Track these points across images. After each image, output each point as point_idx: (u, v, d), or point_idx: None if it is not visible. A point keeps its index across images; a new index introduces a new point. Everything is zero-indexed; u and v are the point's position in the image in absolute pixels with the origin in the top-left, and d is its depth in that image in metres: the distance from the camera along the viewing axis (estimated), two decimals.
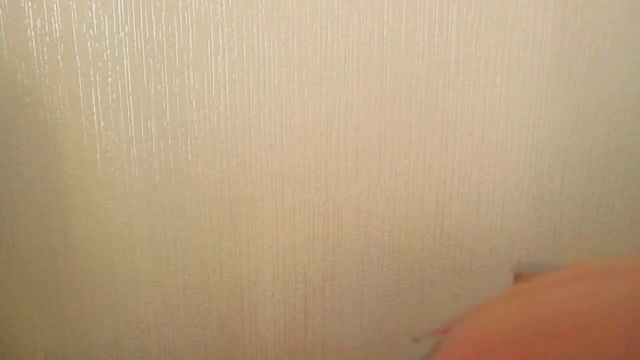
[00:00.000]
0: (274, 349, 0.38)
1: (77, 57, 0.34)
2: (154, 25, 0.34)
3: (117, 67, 0.34)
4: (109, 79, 0.34)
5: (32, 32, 0.33)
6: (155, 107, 0.35)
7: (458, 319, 0.15)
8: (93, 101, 0.34)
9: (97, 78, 0.34)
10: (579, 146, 0.37)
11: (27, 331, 0.38)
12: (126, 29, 0.34)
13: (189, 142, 0.35)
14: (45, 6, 0.33)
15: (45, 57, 0.34)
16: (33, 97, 0.34)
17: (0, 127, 0.34)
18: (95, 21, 0.33)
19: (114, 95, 0.34)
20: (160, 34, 0.34)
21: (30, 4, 0.33)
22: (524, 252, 0.38)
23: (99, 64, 0.34)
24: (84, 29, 0.33)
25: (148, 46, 0.34)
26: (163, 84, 0.34)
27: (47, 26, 0.33)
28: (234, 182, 0.36)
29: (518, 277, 0.19)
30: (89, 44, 0.34)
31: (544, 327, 0.15)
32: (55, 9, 0.33)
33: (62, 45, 0.34)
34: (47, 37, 0.33)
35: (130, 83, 0.34)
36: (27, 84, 0.34)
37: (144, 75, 0.34)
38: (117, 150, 0.35)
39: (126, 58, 0.34)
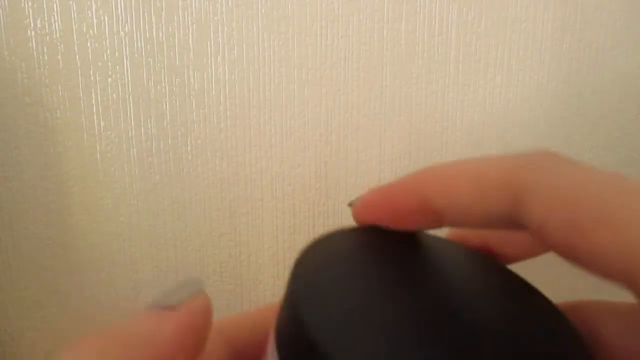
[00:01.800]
0: None
1: (77, 57, 0.34)
2: (154, 25, 0.34)
3: (117, 67, 0.34)
4: (109, 79, 0.34)
5: (32, 32, 0.33)
6: (155, 107, 0.35)
7: None
8: (93, 101, 0.34)
9: (97, 78, 0.34)
10: (579, 146, 0.37)
11: (27, 331, 0.38)
12: (126, 29, 0.34)
13: (189, 142, 0.35)
14: (45, 6, 0.33)
15: (45, 57, 0.34)
16: (33, 97, 0.34)
17: (0, 127, 0.34)
18: (95, 21, 0.33)
19: (114, 95, 0.34)
20: (160, 34, 0.34)
21: (30, 4, 0.33)
22: None
23: (99, 64, 0.34)
24: (84, 29, 0.33)
25: (148, 46, 0.34)
26: (163, 84, 0.34)
27: (47, 26, 0.33)
28: (234, 182, 0.36)
29: None
30: (89, 44, 0.34)
31: None
32: (55, 9, 0.33)
33: (62, 45, 0.34)
34: (47, 37, 0.33)
35: (130, 83, 0.34)
36: (27, 84, 0.34)
37: (144, 75, 0.34)
38: (117, 150, 0.35)
39: (126, 58, 0.34)
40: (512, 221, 0.14)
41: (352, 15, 0.34)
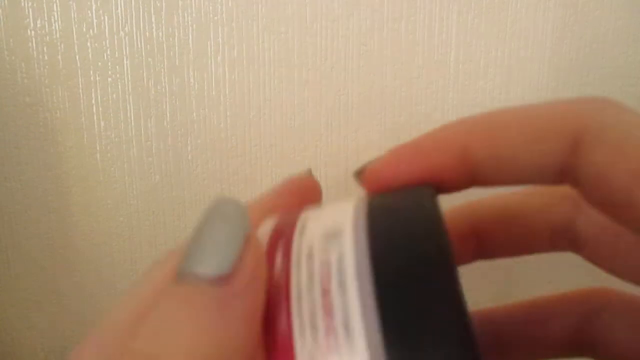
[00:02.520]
0: None
1: (77, 57, 0.34)
2: (154, 25, 0.34)
3: (117, 67, 0.34)
4: (109, 79, 0.34)
5: (32, 32, 0.33)
6: (155, 107, 0.35)
7: None
8: (93, 101, 0.34)
9: (97, 78, 0.34)
10: None
11: (27, 331, 0.38)
12: (126, 29, 0.34)
13: (189, 142, 0.35)
14: (45, 6, 0.33)
15: (45, 57, 0.34)
16: (33, 97, 0.34)
17: (0, 127, 0.34)
18: (95, 21, 0.33)
19: (114, 95, 0.34)
20: (160, 34, 0.34)
21: (30, 4, 0.33)
22: None
23: (99, 64, 0.34)
24: (84, 29, 0.33)
25: (148, 46, 0.34)
26: (163, 84, 0.34)
27: (47, 26, 0.33)
28: (234, 182, 0.36)
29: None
30: (89, 44, 0.34)
31: None
32: (55, 9, 0.33)
33: (62, 45, 0.34)
34: (47, 37, 0.33)
35: (130, 83, 0.34)
36: (27, 84, 0.34)
37: (144, 75, 0.34)
38: (117, 150, 0.35)
39: (126, 58, 0.34)
40: (561, 172, 0.12)
41: (352, 15, 0.34)
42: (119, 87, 0.34)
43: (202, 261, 0.09)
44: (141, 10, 0.33)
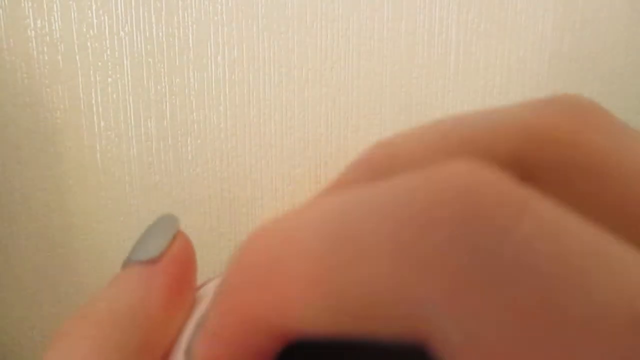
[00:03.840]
0: None
1: (77, 57, 0.34)
2: (154, 25, 0.34)
3: (117, 67, 0.34)
4: (109, 79, 0.34)
5: (32, 32, 0.33)
6: (155, 107, 0.35)
7: None
8: (93, 101, 0.34)
9: (97, 78, 0.34)
10: None
11: (27, 331, 0.38)
12: (126, 29, 0.34)
13: (189, 142, 0.35)
14: (45, 6, 0.33)
15: (46, 57, 0.34)
16: (33, 97, 0.34)
17: (0, 127, 0.34)
18: (95, 21, 0.33)
19: (114, 95, 0.34)
20: (160, 34, 0.34)
21: (30, 4, 0.33)
22: None
23: (99, 64, 0.34)
24: (84, 29, 0.33)
25: (148, 46, 0.34)
26: (163, 84, 0.34)
27: (47, 26, 0.33)
28: (234, 182, 0.36)
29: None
30: (89, 44, 0.34)
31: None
32: (55, 9, 0.33)
33: (62, 45, 0.34)
34: (47, 37, 0.33)
35: (130, 83, 0.34)
36: (27, 84, 0.34)
37: (144, 75, 0.34)
38: (117, 150, 0.35)
39: (126, 58, 0.34)
40: None
41: (352, 15, 0.34)
42: (119, 87, 0.34)
43: (139, 253, 0.13)
44: (141, 10, 0.33)
